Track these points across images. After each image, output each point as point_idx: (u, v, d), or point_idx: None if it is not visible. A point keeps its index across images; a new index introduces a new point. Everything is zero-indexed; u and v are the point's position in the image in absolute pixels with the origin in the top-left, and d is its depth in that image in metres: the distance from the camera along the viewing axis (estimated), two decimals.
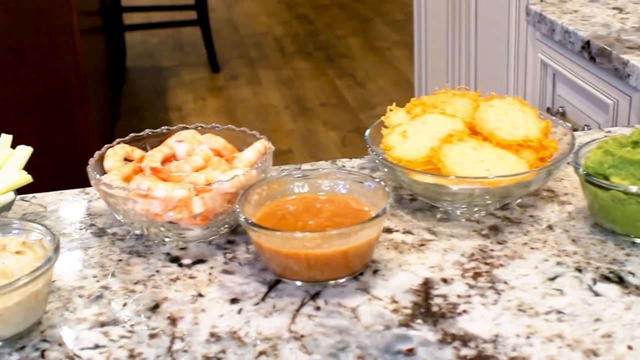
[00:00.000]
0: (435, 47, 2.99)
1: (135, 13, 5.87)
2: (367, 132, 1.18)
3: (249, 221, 0.99)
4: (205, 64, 5.31)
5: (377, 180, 1.06)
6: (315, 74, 5.13)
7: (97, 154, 1.15)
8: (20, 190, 1.15)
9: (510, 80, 2.39)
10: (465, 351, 0.87)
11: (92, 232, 1.14)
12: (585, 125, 1.93)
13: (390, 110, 1.24)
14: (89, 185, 1.25)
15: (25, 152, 1.16)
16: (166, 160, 1.15)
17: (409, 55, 5.17)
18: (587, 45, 1.85)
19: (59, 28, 2.80)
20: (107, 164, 1.14)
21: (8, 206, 1.12)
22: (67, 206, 1.22)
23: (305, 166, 1.29)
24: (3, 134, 1.18)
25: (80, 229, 1.15)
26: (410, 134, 1.16)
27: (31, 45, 2.79)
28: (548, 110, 2.11)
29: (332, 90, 4.85)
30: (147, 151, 1.18)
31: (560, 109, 2.06)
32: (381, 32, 5.89)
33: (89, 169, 1.11)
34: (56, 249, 0.95)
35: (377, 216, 0.98)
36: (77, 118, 2.91)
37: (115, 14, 5.06)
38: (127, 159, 1.16)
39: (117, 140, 1.18)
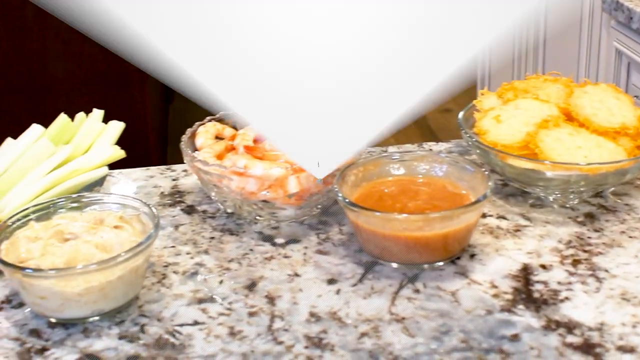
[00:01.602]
0: None
1: None
2: (460, 115, 1.17)
3: (348, 201, 0.98)
4: None
5: (476, 164, 1.04)
6: None
7: (188, 131, 1.14)
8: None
9: (581, 68, 2.36)
10: (570, 338, 0.86)
11: (181, 209, 1.14)
12: None
13: (482, 94, 1.22)
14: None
15: (117, 127, 1.16)
16: (257, 139, 1.14)
17: None
18: None
19: None
20: (198, 141, 1.13)
21: (101, 181, 1.12)
22: (155, 182, 1.22)
23: (391, 149, 1.28)
24: (94, 109, 1.18)
25: (170, 206, 1.15)
26: (503, 118, 1.14)
27: None
28: None
29: None
30: (237, 129, 1.17)
31: (635, 98, 2.02)
32: None
33: (182, 145, 1.10)
34: (156, 226, 0.95)
35: (478, 200, 0.97)
36: (135, 96, 2.92)
37: None
38: (217, 137, 1.16)
39: (208, 117, 1.18)
